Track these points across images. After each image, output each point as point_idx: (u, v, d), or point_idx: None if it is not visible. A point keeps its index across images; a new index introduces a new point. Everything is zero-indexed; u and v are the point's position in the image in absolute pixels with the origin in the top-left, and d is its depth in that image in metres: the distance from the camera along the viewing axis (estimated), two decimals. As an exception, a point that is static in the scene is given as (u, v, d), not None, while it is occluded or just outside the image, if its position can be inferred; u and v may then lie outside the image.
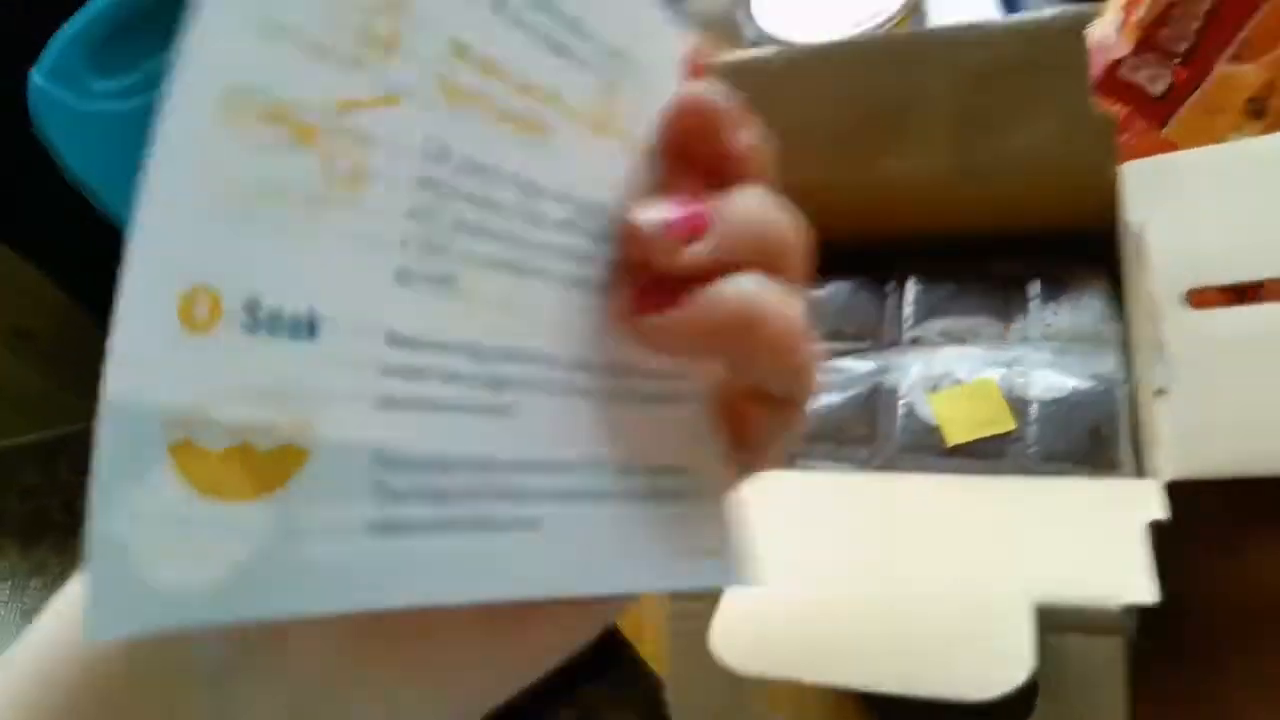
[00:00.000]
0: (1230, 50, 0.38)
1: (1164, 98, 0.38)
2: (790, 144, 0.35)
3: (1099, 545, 0.25)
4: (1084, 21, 0.32)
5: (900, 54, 0.34)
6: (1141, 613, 0.38)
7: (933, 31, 0.34)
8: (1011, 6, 0.56)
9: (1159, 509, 0.25)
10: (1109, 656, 0.23)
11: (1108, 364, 0.31)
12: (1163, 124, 0.38)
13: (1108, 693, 0.23)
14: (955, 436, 0.31)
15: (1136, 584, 0.23)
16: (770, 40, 0.51)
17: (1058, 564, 0.24)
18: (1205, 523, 0.43)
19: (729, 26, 0.56)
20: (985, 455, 0.31)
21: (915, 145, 0.34)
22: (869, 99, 0.34)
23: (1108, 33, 0.37)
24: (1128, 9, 0.37)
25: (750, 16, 0.53)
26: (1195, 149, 0.32)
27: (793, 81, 0.35)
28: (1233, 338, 0.27)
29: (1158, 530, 0.40)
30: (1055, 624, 0.23)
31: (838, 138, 0.35)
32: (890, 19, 0.50)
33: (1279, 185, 0.29)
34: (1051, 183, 0.33)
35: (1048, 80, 0.32)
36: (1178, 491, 0.43)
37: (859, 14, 0.49)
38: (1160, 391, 0.27)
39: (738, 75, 0.35)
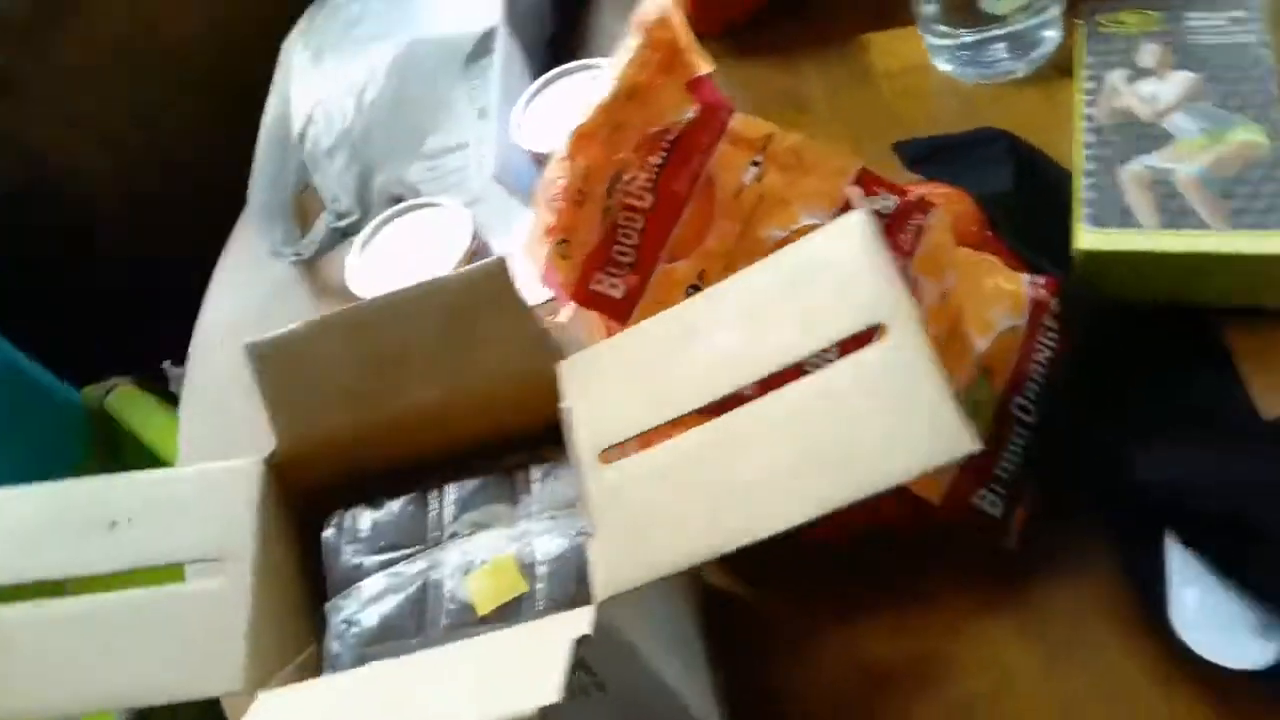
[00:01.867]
0: (665, 253, 0.49)
1: (624, 299, 0.48)
2: (328, 401, 0.43)
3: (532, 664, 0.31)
4: (504, 263, 0.42)
5: (391, 310, 0.43)
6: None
7: (407, 289, 0.43)
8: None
9: (587, 627, 0.32)
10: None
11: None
12: (626, 321, 0.48)
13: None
14: (483, 607, 0.38)
15: (545, 688, 0.29)
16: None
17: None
18: (780, 625, 0.51)
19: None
20: (506, 617, 0.37)
21: (420, 380, 0.42)
22: (378, 350, 0.42)
23: (539, 263, 0.47)
24: (555, 243, 0.47)
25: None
26: (606, 340, 0.41)
27: (321, 346, 0.43)
28: (631, 479, 0.36)
29: (729, 636, 0.47)
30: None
31: (361, 388, 0.43)
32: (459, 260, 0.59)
33: (659, 358, 0.39)
34: (520, 385, 0.42)
35: (493, 311, 0.42)
36: (750, 600, 0.51)
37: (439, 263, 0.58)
38: (587, 535, 0.35)
39: (281, 349, 0.43)
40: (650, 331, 0.40)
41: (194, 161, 1.08)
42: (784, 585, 0.53)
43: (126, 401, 1.08)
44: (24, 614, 0.36)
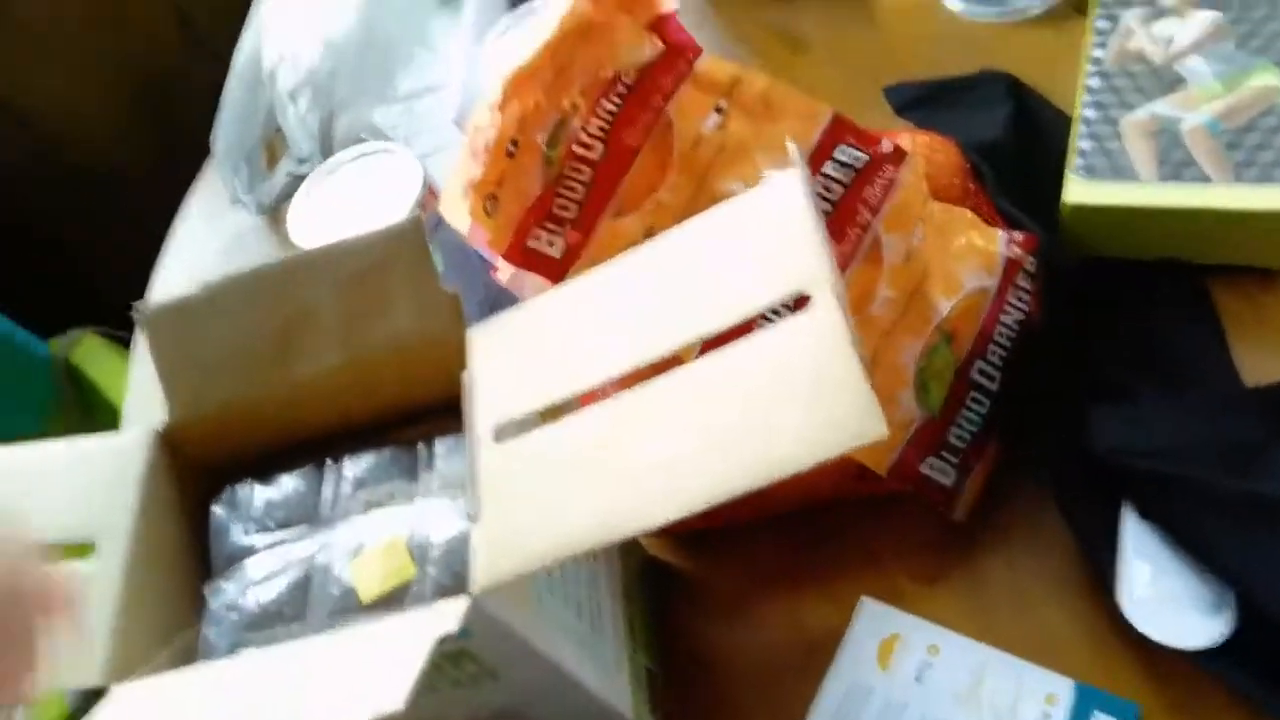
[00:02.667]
0: (611, 208, 0.46)
1: (563, 258, 0.45)
2: (226, 369, 0.40)
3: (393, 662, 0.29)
4: (419, 223, 0.39)
5: (296, 272, 0.40)
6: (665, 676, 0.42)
7: (314, 250, 0.40)
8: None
9: (455, 623, 0.30)
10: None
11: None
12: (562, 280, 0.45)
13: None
14: (368, 594, 0.35)
15: (393, 694, 0.27)
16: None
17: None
18: (720, 591, 0.49)
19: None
20: (391, 605, 0.35)
21: (324, 346, 0.39)
22: (281, 315, 0.40)
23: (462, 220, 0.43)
24: (480, 198, 0.43)
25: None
26: (520, 305, 0.38)
27: (219, 311, 0.40)
28: (522, 459, 0.33)
29: (667, 599, 0.44)
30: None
31: (261, 355, 0.40)
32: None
33: (572, 325, 0.36)
34: (425, 354, 0.38)
35: (403, 274, 0.38)
36: (690, 562, 0.49)
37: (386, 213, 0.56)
38: (472, 518, 0.32)
39: (173, 317, 0.40)
40: (566, 295, 0.37)
41: (168, 101, 1.06)
42: (726, 549, 0.51)
43: (90, 353, 1.05)
44: None
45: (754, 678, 0.46)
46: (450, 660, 0.33)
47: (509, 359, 0.36)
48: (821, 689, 0.44)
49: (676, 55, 0.48)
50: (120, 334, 1.07)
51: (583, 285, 0.37)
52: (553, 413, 0.34)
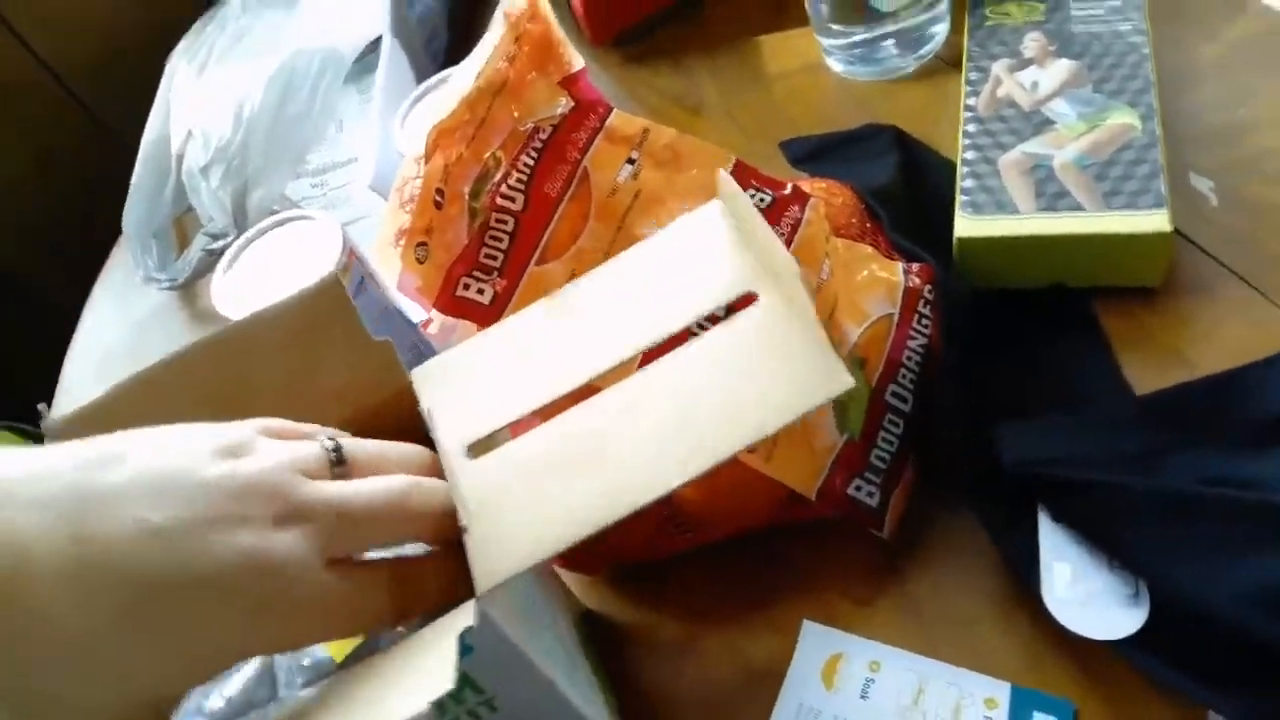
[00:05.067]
0: (535, 256, 0.48)
1: (492, 304, 0.47)
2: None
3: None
4: (336, 280, 0.40)
5: (210, 357, 0.40)
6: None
7: (228, 329, 0.40)
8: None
9: (469, 619, 0.30)
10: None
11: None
12: (493, 326, 0.46)
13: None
14: (341, 652, 0.35)
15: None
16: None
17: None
18: (663, 632, 0.50)
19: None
20: (365, 655, 0.35)
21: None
22: (201, 406, 0.39)
23: (392, 268, 0.45)
24: (411, 245, 0.45)
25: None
26: (464, 342, 0.40)
27: (150, 403, 0.40)
28: (503, 468, 0.34)
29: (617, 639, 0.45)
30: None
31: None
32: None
33: (527, 347, 0.38)
34: (368, 407, 0.39)
35: (332, 331, 0.39)
36: (630, 607, 0.50)
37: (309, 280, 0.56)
38: (464, 529, 0.33)
39: (83, 427, 0.39)
40: (506, 329, 0.39)
41: (77, 181, 1.04)
42: (663, 589, 0.52)
43: (-2, 449, 1.02)
44: None
45: (706, 712, 0.47)
46: (451, 695, 0.33)
47: (466, 385, 0.37)
48: (773, 714, 0.45)
49: (589, 110, 0.51)
50: (32, 429, 1.04)
51: (521, 319, 0.39)
52: (526, 423, 0.35)
